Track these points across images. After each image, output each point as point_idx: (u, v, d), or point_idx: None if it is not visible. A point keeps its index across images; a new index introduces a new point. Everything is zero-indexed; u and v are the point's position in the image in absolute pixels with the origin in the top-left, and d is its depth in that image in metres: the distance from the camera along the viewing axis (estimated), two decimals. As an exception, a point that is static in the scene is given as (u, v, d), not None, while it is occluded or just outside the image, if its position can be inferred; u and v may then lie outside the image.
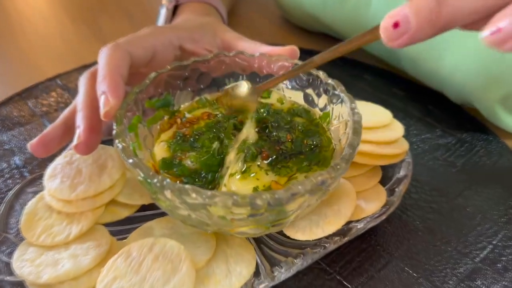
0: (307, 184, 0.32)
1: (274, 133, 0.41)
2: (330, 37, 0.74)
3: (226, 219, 0.34)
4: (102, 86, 0.39)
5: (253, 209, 0.32)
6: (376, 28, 0.29)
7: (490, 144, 0.55)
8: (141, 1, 0.90)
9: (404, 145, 0.47)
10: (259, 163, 0.38)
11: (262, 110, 0.44)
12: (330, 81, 0.43)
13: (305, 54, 0.47)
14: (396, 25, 0.27)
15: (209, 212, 0.33)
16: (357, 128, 0.38)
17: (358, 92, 0.61)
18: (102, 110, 0.38)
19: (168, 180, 0.32)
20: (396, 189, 0.44)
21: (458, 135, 0.56)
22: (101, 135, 0.41)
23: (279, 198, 0.31)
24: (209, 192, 0.31)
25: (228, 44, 0.52)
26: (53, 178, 0.43)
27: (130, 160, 0.34)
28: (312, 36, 0.77)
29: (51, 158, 0.46)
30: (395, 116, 0.50)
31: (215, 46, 0.52)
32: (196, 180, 0.38)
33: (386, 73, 0.67)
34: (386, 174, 0.47)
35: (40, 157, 0.43)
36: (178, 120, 0.45)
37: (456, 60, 0.54)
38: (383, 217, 0.41)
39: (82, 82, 0.43)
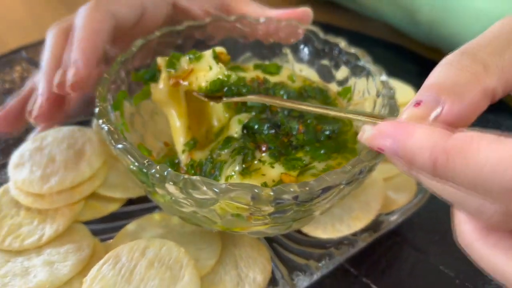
0: (342, 176, 0.26)
1: (283, 125, 0.34)
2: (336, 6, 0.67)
3: (242, 217, 0.27)
4: (75, 53, 0.34)
5: (278, 205, 0.25)
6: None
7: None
8: None
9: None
10: (259, 158, 0.31)
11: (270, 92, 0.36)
12: (352, 50, 0.36)
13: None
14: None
15: (222, 209, 0.26)
16: (393, 104, 0.31)
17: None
18: (69, 80, 0.33)
19: (170, 170, 0.25)
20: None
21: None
22: (68, 106, 0.37)
23: (311, 191, 0.25)
24: (223, 185, 0.25)
25: (228, 6, 0.44)
26: (20, 167, 0.36)
27: (120, 146, 0.27)
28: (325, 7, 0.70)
29: (17, 144, 0.38)
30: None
31: (213, 7, 0.44)
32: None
33: (397, 48, 0.61)
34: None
35: (1, 131, 0.38)
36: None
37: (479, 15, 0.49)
38: (417, 207, 0.35)
39: (50, 39, 0.38)
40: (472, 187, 0.19)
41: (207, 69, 0.34)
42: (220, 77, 0.33)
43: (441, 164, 0.20)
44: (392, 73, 0.55)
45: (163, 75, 0.34)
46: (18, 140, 0.41)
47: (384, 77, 0.34)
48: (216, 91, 0.34)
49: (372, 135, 0.22)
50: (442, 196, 0.22)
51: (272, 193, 0.25)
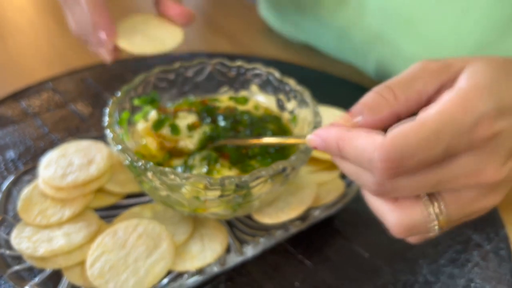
0: (269, 170, 0.38)
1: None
2: (311, 50, 0.81)
3: (200, 200, 0.39)
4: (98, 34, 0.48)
5: (223, 190, 0.37)
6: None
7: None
8: (126, 7, 0.96)
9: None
10: (220, 163, 0.44)
11: (240, 117, 0.49)
12: (298, 88, 0.49)
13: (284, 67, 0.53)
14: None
15: (185, 192, 0.38)
16: (317, 126, 0.44)
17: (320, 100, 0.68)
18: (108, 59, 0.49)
19: (151, 163, 0.38)
20: (353, 183, 0.50)
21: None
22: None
23: (245, 180, 0.37)
24: (185, 174, 0.37)
25: None
26: (48, 167, 0.48)
27: (119, 146, 0.40)
28: (294, 47, 0.83)
29: (43, 152, 0.51)
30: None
31: None
32: None
33: (350, 84, 0.74)
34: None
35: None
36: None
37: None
38: (339, 205, 0.47)
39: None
40: (356, 162, 0.31)
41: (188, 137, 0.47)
42: (203, 134, 0.47)
43: (341, 147, 0.32)
44: (334, 101, 0.67)
45: (148, 125, 0.47)
46: (44, 151, 0.54)
47: (316, 108, 0.46)
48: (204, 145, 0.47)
49: (310, 139, 0.35)
50: (347, 173, 0.34)
51: (218, 180, 0.37)
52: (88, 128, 0.63)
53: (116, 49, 0.49)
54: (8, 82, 0.72)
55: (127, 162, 0.39)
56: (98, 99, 0.68)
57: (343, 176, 0.51)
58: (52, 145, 0.59)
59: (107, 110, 0.44)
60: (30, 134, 0.61)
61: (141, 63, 0.74)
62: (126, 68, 0.74)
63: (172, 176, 0.37)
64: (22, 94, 0.69)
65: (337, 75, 0.75)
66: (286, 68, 0.78)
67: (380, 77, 0.71)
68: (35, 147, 0.59)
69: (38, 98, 0.69)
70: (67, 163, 0.49)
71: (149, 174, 0.38)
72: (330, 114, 0.56)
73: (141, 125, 0.48)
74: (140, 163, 0.38)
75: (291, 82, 0.50)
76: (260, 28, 0.90)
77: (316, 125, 0.45)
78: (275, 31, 0.86)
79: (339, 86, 0.73)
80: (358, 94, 0.36)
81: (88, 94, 0.69)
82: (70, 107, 0.66)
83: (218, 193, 0.38)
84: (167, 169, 0.37)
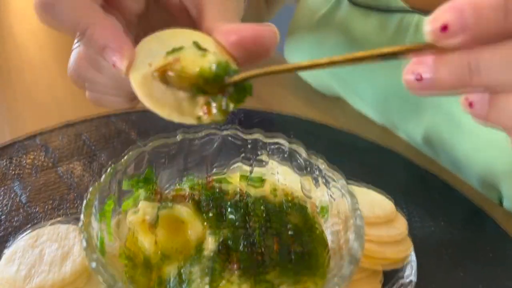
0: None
1: (259, 244, 0.35)
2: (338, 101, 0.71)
3: None
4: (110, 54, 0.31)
5: None
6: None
7: (503, 244, 0.50)
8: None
9: (408, 245, 0.43)
10: (227, 278, 0.33)
11: (251, 208, 0.39)
12: (330, 173, 0.39)
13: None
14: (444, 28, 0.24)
15: None
16: (359, 234, 0.33)
17: (352, 170, 0.58)
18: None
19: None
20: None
21: (466, 231, 0.51)
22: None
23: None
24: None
25: (200, 4, 0.34)
26: (11, 264, 0.38)
27: (93, 264, 0.29)
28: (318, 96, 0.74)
29: (15, 231, 0.41)
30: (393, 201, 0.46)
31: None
32: None
33: (386, 151, 0.63)
34: (388, 276, 0.42)
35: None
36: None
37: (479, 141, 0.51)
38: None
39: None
40: None
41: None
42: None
43: None
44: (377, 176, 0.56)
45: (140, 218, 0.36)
46: (16, 229, 0.44)
47: (356, 205, 0.36)
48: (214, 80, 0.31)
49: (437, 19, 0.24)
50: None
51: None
52: (74, 199, 0.52)
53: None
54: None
55: (103, 285, 0.29)
56: (92, 162, 0.59)
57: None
58: (28, 220, 0.49)
59: (84, 202, 0.34)
60: (4, 203, 0.51)
61: (150, 116, 0.65)
62: (130, 123, 0.65)
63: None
64: (5, 149, 0.60)
65: (371, 139, 0.64)
66: (309, 128, 0.69)
67: (427, 145, 0.60)
68: (6, 223, 0.49)
69: (23, 156, 0.59)
70: (35, 258, 0.39)
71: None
72: (367, 200, 0.45)
73: (131, 216, 0.37)
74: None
75: (321, 164, 0.40)
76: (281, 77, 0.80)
77: (356, 219, 0.34)
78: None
79: (373, 154, 0.62)
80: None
81: (81, 154, 0.60)
82: (58, 171, 0.57)
83: None
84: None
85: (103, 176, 0.37)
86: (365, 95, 0.64)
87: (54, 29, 0.32)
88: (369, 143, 0.64)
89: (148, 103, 0.31)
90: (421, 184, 0.58)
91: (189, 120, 0.31)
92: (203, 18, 0.33)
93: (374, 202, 0.47)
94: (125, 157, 0.39)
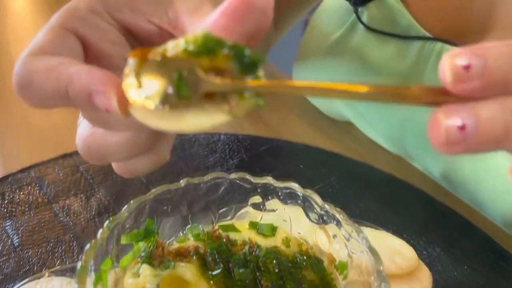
0: None
1: None
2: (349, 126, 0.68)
3: None
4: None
5: None
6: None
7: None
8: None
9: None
10: None
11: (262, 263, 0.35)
12: (350, 228, 0.35)
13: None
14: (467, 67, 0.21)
15: None
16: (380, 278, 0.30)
17: (365, 208, 0.54)
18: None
19: None
20: None
21: (492, 279, 0.48)
22: None
23: None
24: None
25: (178, 21, 0.31)
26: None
27: None
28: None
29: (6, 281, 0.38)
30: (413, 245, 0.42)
31: (165, 21, 0.32)
32: None
33: (402, 184, 0.60)
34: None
35: None
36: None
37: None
38: None
39: None
40: None
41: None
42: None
43: None
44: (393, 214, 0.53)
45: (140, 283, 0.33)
46: (7, 277, 0.40)
47: (381, 267, 0.32)
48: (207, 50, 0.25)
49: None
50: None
51: None
52: (70, 241, 0.49)
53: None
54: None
55: None
56: (90, 197, 0.55)
57: None
58: (19, 267, 0.45)
59: (79, 265, 0.31)
60: (-6, 248, 0.48)
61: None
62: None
63: None
64: (-2, 183, 0.57)
65: (385, 171, 0.61)
66: (319, 157, 0.65)
67: (446, 180, 0.56)
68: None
69: (16, 191, 0.56)
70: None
71: None
72: (386, 247, 0.42)
73: (130, 279, 0.34)
74: None
75: (339, 215, 0.37)
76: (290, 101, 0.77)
77: (381, 285, 0.31)
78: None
79: (388, 187, 0.59)
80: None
81: (78, 189, 0.56)
82: (53, 208, 0.53)
83: None
84: None
85: (100, 232, 0.34)
86: (378, 125, 0.61)
87: (46, 108, 0.30)
88: (384, 175, 0.61)
89: (167, 126, 0.25)
90: (440, 222, 0.54)
91: (220, 118, 0.25)
92: (185, 29, 0.30)
93: (392, 248, 0.43)
94: (125, 208, 0.36)
